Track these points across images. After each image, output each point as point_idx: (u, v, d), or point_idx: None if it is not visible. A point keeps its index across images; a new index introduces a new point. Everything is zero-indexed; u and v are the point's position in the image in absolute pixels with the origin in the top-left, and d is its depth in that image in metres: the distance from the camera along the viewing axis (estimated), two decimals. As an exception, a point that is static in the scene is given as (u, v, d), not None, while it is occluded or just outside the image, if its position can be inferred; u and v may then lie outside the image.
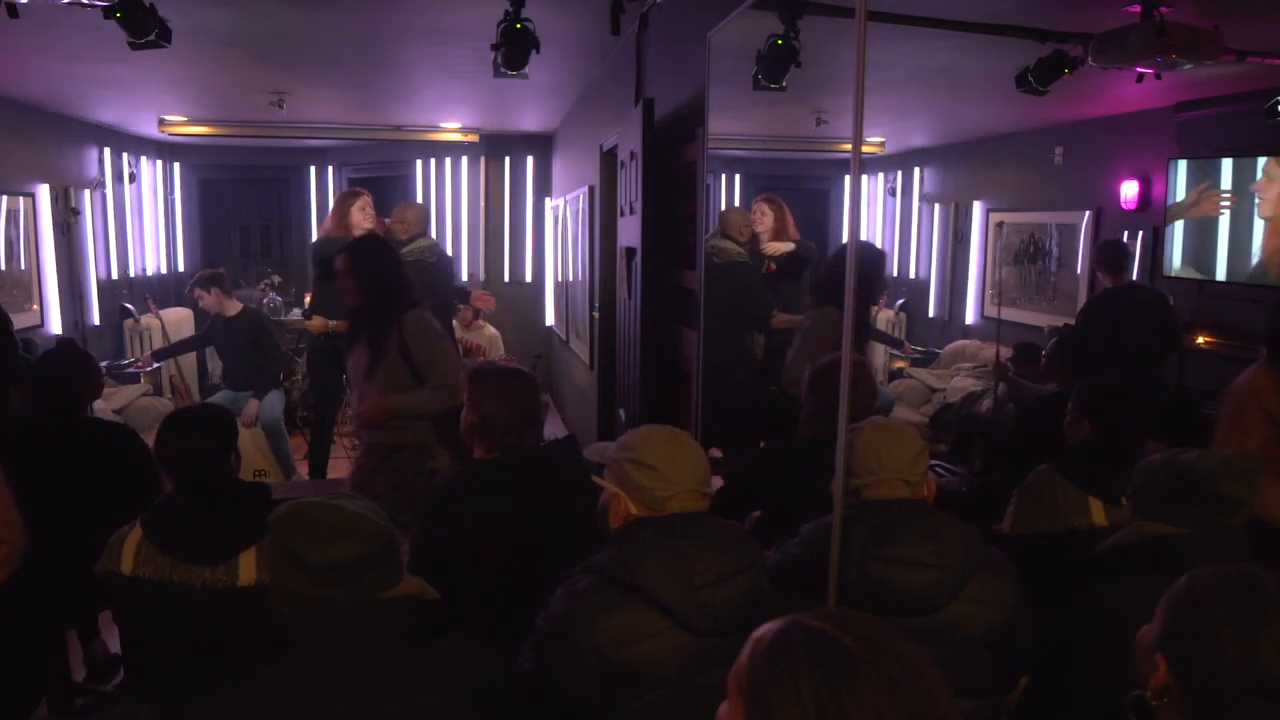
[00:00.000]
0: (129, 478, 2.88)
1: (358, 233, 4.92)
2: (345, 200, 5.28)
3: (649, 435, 1.73)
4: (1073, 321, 5.22)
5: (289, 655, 1.39)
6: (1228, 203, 4.65)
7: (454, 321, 6.84)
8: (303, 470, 5.48)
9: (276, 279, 8.02)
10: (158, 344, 6.73)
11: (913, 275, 7.08)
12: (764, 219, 4.70)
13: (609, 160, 4.87)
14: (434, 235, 6.95)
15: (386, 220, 5.51)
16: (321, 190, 8.86)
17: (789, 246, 4.70)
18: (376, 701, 1.36)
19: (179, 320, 7.37)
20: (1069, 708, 1.80)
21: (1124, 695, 1.25)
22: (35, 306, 6.14)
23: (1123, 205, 5.32)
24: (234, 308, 5.51)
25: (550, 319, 8.09)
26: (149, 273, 7.97)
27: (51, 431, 2.91)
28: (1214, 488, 1.73)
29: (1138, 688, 1.24)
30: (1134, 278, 4.75)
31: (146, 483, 2.81)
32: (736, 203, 7.84)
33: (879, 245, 7.56)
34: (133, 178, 7.62)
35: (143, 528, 2.14)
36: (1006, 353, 4.63)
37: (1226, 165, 4.67)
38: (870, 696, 0.85)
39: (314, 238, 8.91)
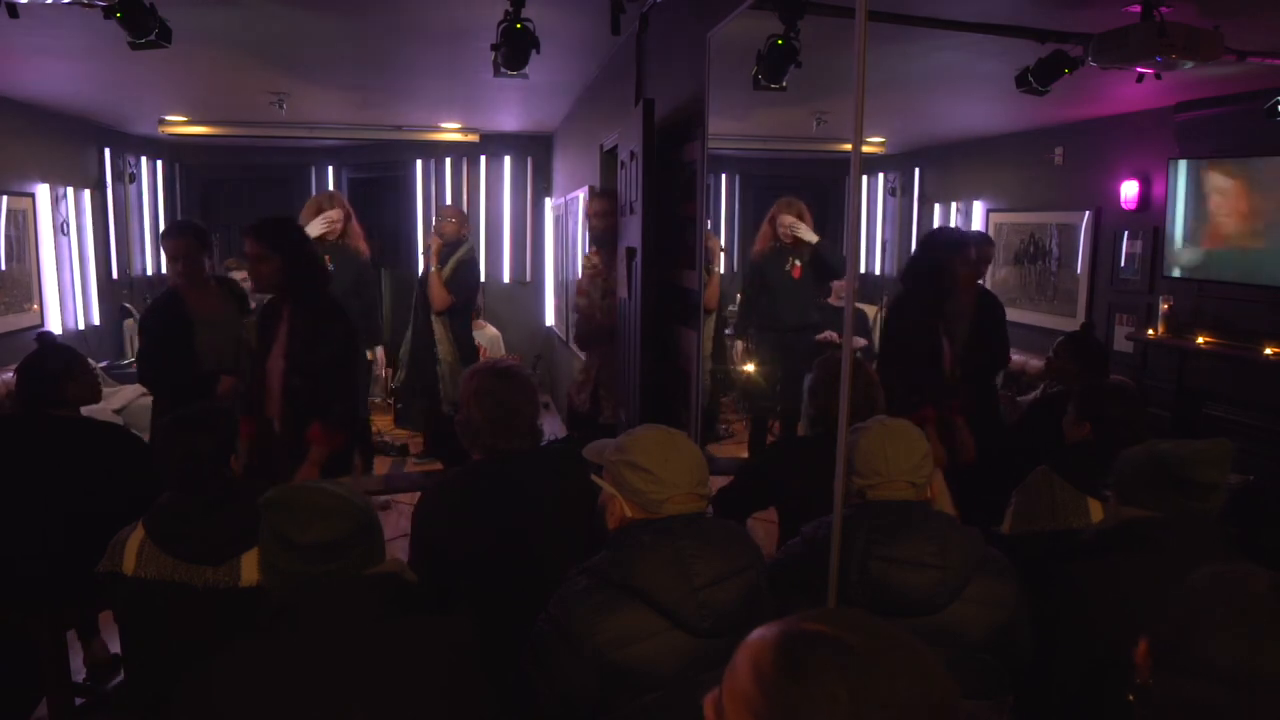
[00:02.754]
0: (121, 479, 2.79)
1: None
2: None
3: (644, 438, 1.72)
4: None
5: (276, 627, 1.47)
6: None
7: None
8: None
9: (276, 279, 8.01)
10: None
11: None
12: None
13: (609, 160, 4.86)
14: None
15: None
16: (322, 190, 8.84)
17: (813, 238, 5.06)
18: (358, 669, 1.42)
19: (179, 320, 7.35)
20: (1050, 676, 1.82)
21: (1099, 665, 1.25)
22: (35, 306, 6.13)
23: (1123, 205, 5.32)
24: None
25: (550, 319, 8.08)
26: (149, 273, 7.97)
27: (32, 431, 2.82)
28: (1190, 474, 1.79)
29: (1112, 658, 1.24)
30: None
31: (141, 485, 2.78)
32: (737, 201, 7.86)
33: (879, 245, 7.57)
34: (132, 178, 7.61)
35: (145, 528, 2.15)
36: None
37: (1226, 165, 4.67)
38: (896, 685, 0.82)
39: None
